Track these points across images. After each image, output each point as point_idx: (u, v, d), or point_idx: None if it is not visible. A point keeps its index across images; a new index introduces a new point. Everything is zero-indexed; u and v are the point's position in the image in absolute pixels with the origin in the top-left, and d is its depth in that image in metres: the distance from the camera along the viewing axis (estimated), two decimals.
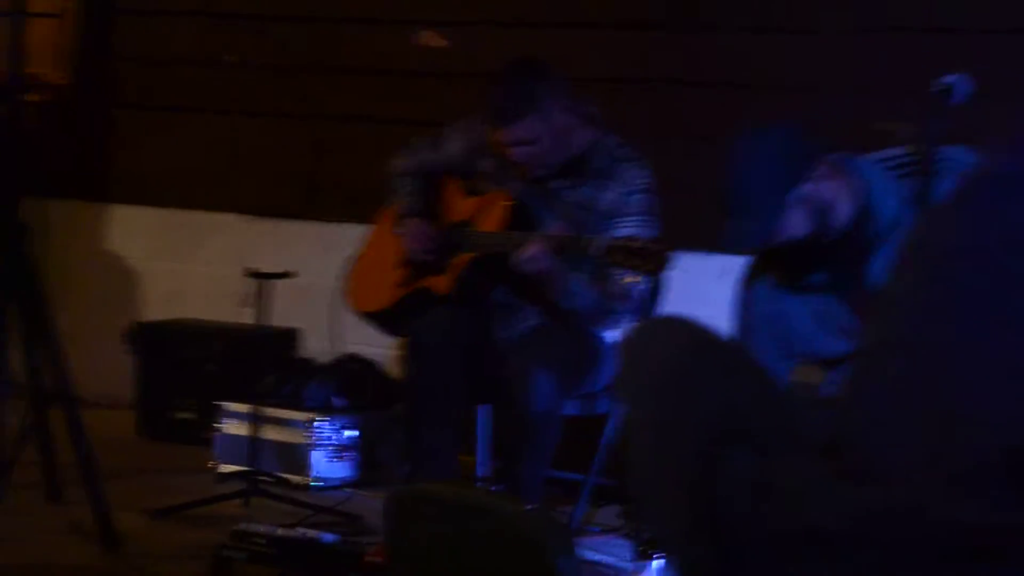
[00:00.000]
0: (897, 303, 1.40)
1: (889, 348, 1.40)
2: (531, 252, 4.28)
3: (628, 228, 4.36)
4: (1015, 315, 1.34)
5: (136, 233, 6.32)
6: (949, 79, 3.44)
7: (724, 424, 1.46)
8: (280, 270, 4.78)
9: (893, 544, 1.28)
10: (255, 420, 4.80)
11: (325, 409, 5.21)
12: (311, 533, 4.00)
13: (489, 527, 2.77)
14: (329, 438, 5.12)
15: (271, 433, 5.07)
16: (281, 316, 5.33)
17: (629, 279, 4.20)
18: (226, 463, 5.14)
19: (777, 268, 3.63)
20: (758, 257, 3.68)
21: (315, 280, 5.39)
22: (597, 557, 4.38)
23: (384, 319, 4.74)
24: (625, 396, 1.57)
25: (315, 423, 5.10)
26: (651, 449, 1.49)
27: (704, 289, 3.84)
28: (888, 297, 1.42)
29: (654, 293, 4.49)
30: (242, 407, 5.11)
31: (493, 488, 4.63)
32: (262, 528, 3.99)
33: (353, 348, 5.30)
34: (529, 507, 2.95)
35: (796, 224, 3.48)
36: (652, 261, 4.08)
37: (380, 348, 5.39)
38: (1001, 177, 1.40)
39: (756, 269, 3.69)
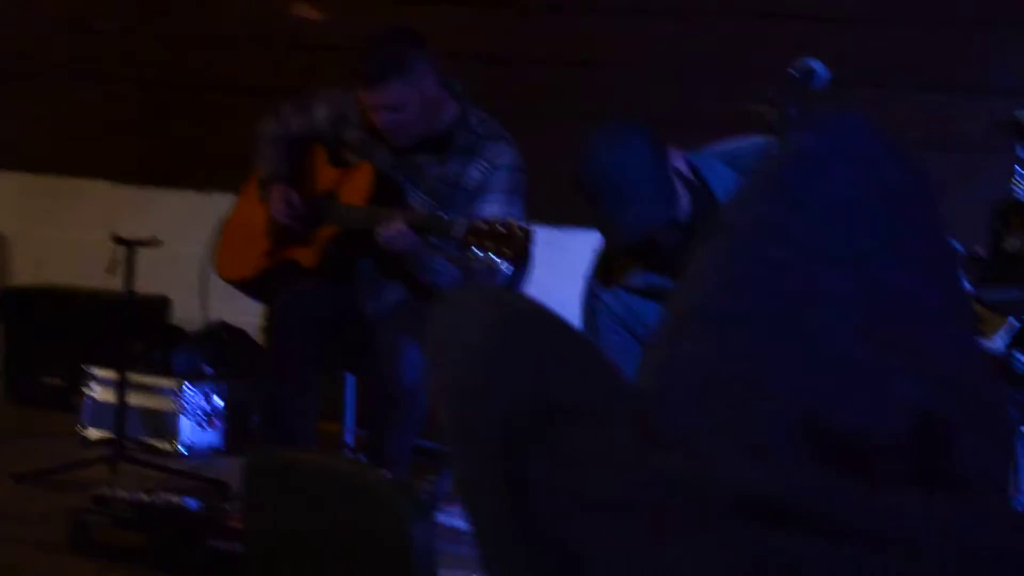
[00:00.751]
0: (699, 275, 1.44)
1: (690, 318, 1.44)
2: (393, 230, 4.27)
3: (492, 205, 4.37)
4: (813, 289, 1.39)
5: (3, 198, 6.26)
6: (810, 62, 3.52)
7: (536, 393, 1.48)
8: (149, 236, 4.77)
9: (682, 509, 1.33)
10: (123, 386, 4.79)
11: (194, 376, 5.21)
12: (175, 499, 4.01)
13: (346, 494, 2.80)
14: (198, 405, 5.13)
15: (139, 399, 5.07)
16: (151, 283, 5.31)
17: (490, 262, 4.20)
18: (93, 428, 5.12)
19: (647, 258, 3.62)
20: (602, 258, 3.69)
21: (185, 248, 5.38)
22: (462, 525, 4.44)
23: (250, 287, 4.74)
24: (433, 363, 1.57)
25: (184, 390, 5.10)
26: (458, 418, 1.51)
27: (575, 264, 3.88)
28: (692, 270, 1.46)
29: (520, 271, 4.52)
30: (110, 373, 5.09)
31: (360, 457, 4.66)
32: (125, 493, 4.00)
33: (223, 316, 5.30)
34: (387, 475, 3.00)
35: (684, 196, 3.48)
36: (514, 245, 4.05)
37: (251, 316, 5.40)
38: (803, 154, 1.44)
39: (605, 268, 3.70)
